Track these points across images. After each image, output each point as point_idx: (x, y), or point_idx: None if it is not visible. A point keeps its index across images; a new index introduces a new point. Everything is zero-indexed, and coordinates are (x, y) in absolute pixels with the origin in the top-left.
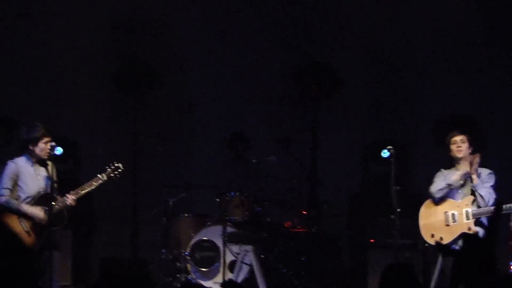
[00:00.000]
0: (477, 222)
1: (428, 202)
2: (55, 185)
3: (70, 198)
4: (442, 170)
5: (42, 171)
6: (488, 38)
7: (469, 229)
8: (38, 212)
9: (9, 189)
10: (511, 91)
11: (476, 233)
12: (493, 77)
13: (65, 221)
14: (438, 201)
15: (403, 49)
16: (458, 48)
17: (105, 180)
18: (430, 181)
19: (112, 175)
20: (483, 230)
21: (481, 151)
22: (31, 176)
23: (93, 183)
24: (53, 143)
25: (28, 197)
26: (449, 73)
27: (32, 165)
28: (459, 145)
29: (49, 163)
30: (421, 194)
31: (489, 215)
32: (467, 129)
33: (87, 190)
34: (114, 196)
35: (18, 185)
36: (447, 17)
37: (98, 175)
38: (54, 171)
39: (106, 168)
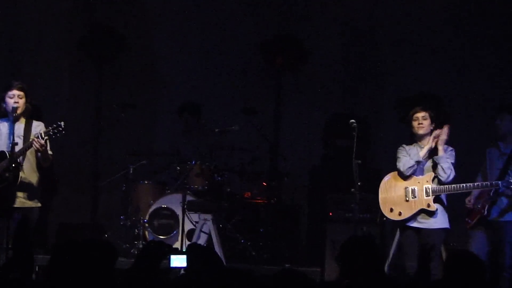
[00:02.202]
0: (436, 199)
1: (388, 177)
2: (17, 144)
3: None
4: (404, 145)
5: (19, 130)
6: (454, 16)
7: (428, 205)
8: None
9: None
10: (476, 70)
11: (435, 210)
12: (458, 56)
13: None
14: (405, 178)
15: (371, 23)
16: (425, 25)
17: (43, 138)
18: (391, 157)
19: (51, 133)
20: (442, 207)
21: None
22: (1, 135)
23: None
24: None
25: None
26: (416, 50)
27: (10, 124)
28: (421, 122)
29: (39, 123)
30: (382, 169)
31: (448, 192)
32: (430, 106)
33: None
34: (74, 161)
35: None
36: None
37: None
38: (41, 130)
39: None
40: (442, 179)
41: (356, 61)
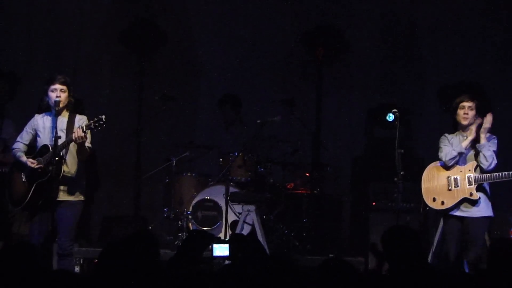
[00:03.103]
0: (479, 188)
1: (431, 166)
2: (60, 137)
3: (29, 161)
4: (446, 134)
5: (62, 124)
6: (493, 3)
7: (471, 194)
8: (30, 162)
9: (22, 143)
10: None
11: (477, 199)
12: (497, 42)
13: (48, 175)
14: (447, 167)
15: (411, 14)
16: (464, 12)
17: (84, 131)
18: (433, 146)
19: (92, 126)
20: (485, 196)
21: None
22: (45, 129)
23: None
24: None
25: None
26: (456, 38)
27: (53, 118)
28: (467, 111)
29: (81, 117)
30: (424, 158)
31: (491, 181)
32: (476, 96)
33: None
34: (117, 155)
35: (37, 138)
36: None
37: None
38: (83, 123)
39: (89, 120)
40: (484, 167)
41: (396, 50)
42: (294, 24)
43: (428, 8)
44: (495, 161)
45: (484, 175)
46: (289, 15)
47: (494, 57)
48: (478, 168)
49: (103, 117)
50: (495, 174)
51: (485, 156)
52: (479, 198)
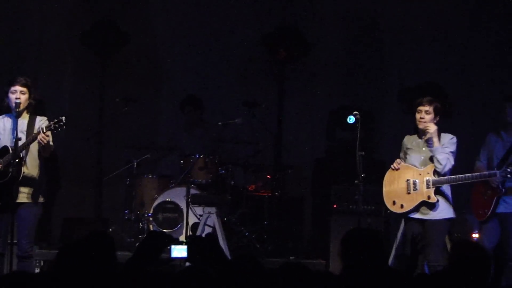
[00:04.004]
0: (437, 190)
1: (391, 169)
2: (20, 139)
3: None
4: (408, 136)
5: (23, 125)
6: (456, 6)
7: (429, 197)
8: None
9: None
10: (478, 59)
11: (435, 202)
12: (459, 45)
13: (8, 176)
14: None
15: (373, 16)
16: (427, 15)
17: (44, 132)
18: (394, 148)
19: (52, 127)
20: (443, 198)
21: (447, 119)
22: (5, 131)
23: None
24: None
25: None
26: (418, 41)
27: (14, 120)
28: (423, 116)
29: (42, 118)
30: (385, 160)
31: (449, 184)
32: (435, 99)
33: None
34: (78, 156)
35: None
36: None
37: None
38: (43, 124)
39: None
40: (439, 170)
41: (358, 52)
42: (256, 25)
43: (391, 9)
44: (450, 163)
45: (442, 178)
46: (251, 16)
47: (456, 59)
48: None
49: (63, 118)
50: (452, 177)
51: (438, 160)
52: (437, 201)
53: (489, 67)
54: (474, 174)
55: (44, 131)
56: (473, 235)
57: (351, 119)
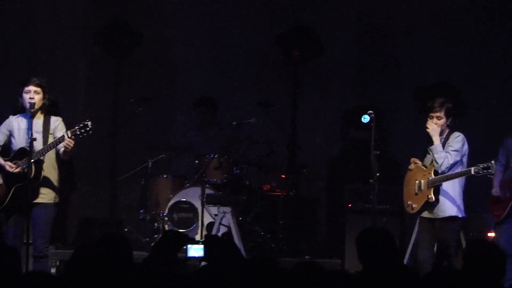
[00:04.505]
0: (437, 190)
1: (409, 170)
2: (35, 139)
3: (7, 165)
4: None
5: (37, 126)
6: (471, 6)
7: (428, 197)
8: (8, 165)
9: None
10: (493, 60)
11: (433, 201)
12: (475, 45)
13: (27, 179)
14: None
15: (386, 14)
16: (440, 14)
17: (70, 137)
18: (409, 147)
19: (78, 132)
20: (444, 197)
21: (460, 117)
22: (20, 131)
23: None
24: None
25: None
26: (431, 40)
27: (28, 120)
28: (435, 122)
29: (57, 118)
30: (400, 159)
31: (445, 181)
32: (446, 100)
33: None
34: (93, 157)
35: (11, 140)
36: None
37: (64, 133)
38: (59, 126)
39: (74, 126)
40: (436, 169)
41: (372, 52)
42: (270, 25)
43: (404, 9)
44: (447, 161)
45: (438, 176)
46: (265, 16)
47: (470, 58)
48: None
49: (89, 123)
50: (447, 174)
51: (434, 159)
52: (436, 200)
53: (504, 66)
54: (462, 171)
55: (69, 135)
56: (489, 234)
57: (365, 118)
